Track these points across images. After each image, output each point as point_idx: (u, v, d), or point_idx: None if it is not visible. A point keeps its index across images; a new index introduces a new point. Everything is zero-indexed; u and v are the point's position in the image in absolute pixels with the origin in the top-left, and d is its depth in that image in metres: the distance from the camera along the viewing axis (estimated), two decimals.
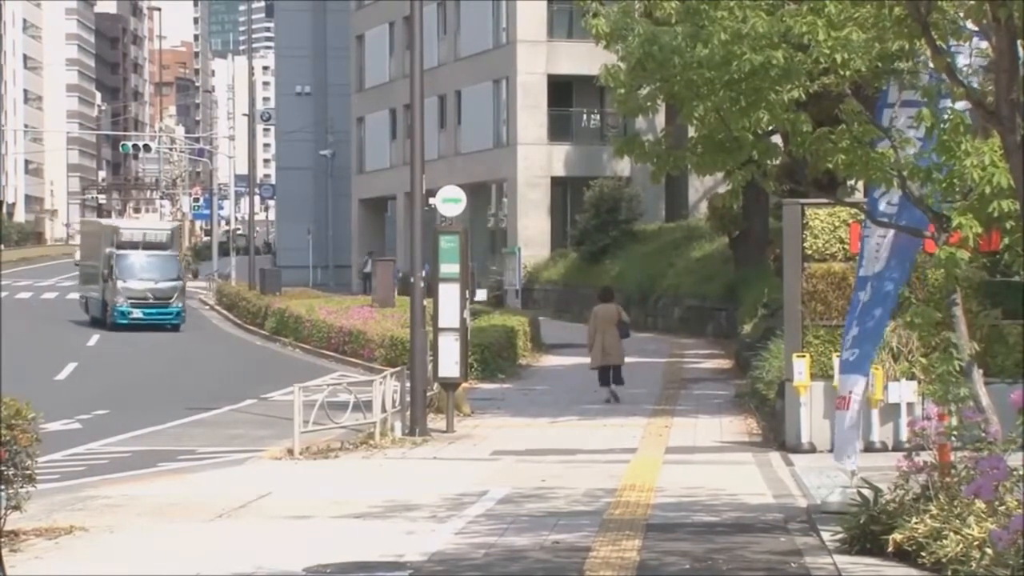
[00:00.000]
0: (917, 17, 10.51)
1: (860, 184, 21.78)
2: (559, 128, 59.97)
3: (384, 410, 23.52)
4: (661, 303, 47.75)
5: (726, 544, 13.73)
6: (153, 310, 50.03)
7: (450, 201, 27.54)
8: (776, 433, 21.83)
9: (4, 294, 61.93)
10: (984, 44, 10.49)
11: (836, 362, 19.80)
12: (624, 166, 51.35)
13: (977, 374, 12.75)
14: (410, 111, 26.33)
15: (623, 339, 28.64)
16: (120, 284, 50.12)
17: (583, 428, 24.65)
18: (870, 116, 13.60)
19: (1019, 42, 9.51)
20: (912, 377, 20.15)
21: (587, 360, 29.22)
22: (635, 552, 13.34)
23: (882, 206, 14.22)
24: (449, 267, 24.54)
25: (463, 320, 24.73)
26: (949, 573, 11.13)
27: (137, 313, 49.65)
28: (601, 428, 24.48)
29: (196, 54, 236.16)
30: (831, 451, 19.57)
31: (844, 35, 12.55)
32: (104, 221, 64.80)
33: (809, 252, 20.59)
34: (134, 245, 51.79)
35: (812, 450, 20.24)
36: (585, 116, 61.66)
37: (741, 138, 13.56)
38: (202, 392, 31.53)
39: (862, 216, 16.01)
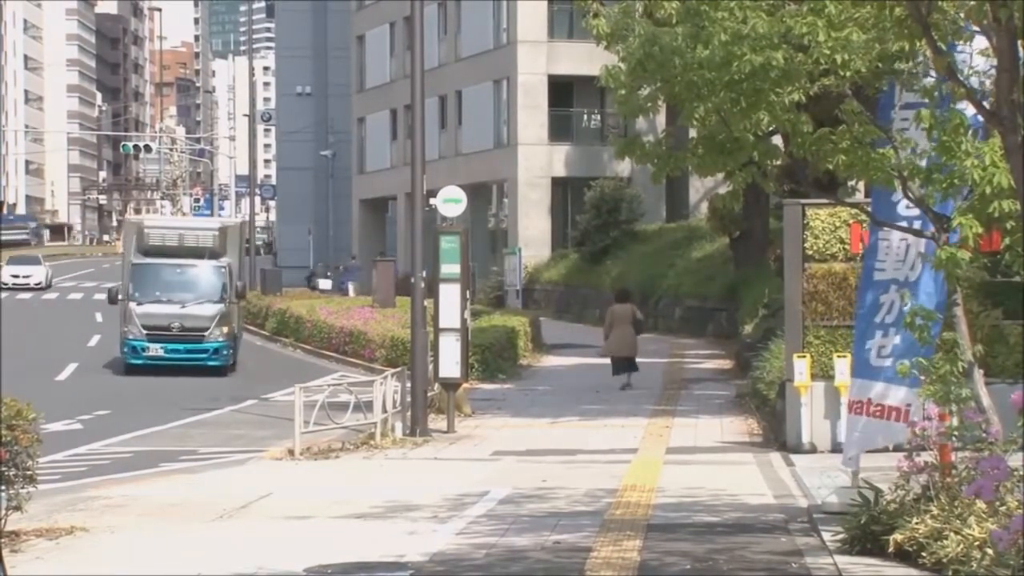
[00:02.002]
0: (918, 18, 10.52)
1: (861, 184, 21.78)
2: (560, 128, 60.00)
3: (385, 410, 23.53)
4: (662, 303, 47.77)
5: (727, 544, 13.73)
6: (179, 346, 35.57)
7: (451, 201, 27.57)
8: (777, 433, 21.84)
9: (4, 294, 61.93)
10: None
11: (839, 363, 19.83)
12: (625, 167, 51.39)
13: (978, 374, 12.75)
14: (411, 111, 26.35)
15: (638, 334, 31.01)
16: (135, 308, 35.75)
17: (584, 428, 24.66)
18: (870, 117, 13.60)
19: (1020, 42, 9.52)
20: None
21: (588, 360, 29.74)
22: (636, 552, 13.35)
23: (901, 209, 14.12)
24: (450, 268, 24.55)
25: (464, 320, 24.74)
26: (950, 573, 11.13)
27: (156, 349, 35.51)
28: (602, 428, 24.49)
29: (197, 54, 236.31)
30: (832, 451, 19.64)
31: (844, 36, 12.56)
32: (132, 217, 47.92)
33: (810, 252, 20.59)
34: (163, 251, 36.84)
35: (813, 450, 20.25)
36: (586, 116, 61.70)
37: (742, 139, 13.57)
38: (203, 392, 31.54)
39: (863, 216, 15.99)
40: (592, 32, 14.36)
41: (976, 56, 11.83)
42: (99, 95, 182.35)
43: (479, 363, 32.01)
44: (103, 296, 59.89)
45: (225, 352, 35.97)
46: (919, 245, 13.97)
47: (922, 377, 12.65)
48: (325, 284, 61.35)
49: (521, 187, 58.85)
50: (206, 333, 35.64)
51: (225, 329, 35.92)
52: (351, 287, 62.97)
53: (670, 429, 24.24)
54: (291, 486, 18.51)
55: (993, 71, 9.96)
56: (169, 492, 18.06)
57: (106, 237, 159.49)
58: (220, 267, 36.70)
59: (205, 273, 36.65)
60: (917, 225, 13.72)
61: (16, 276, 72.20)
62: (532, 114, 58.83)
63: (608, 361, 31.24)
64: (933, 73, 12.13)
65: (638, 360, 31.14)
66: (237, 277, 37.71)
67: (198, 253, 36.79)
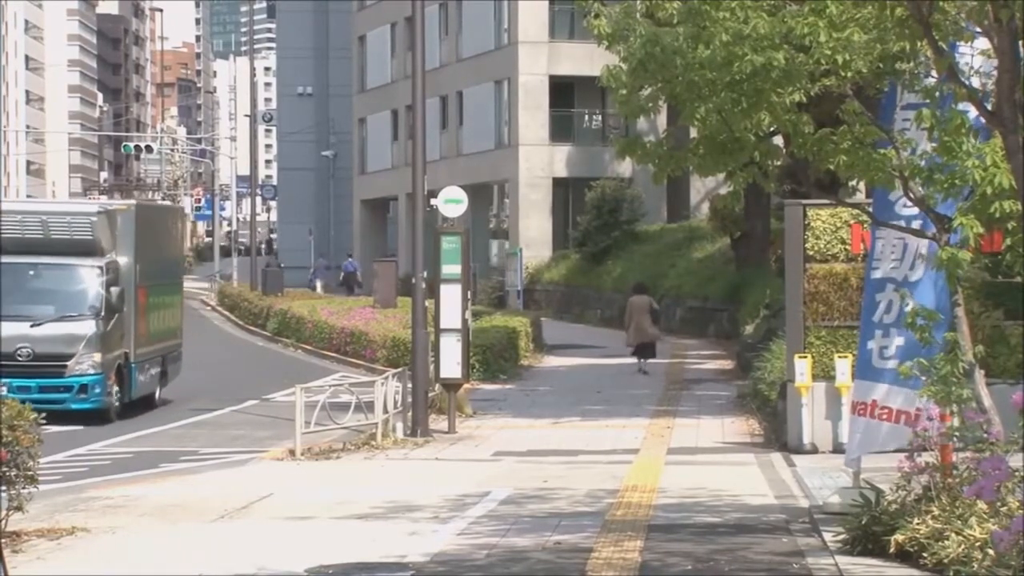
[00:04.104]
0: (919, 18, 10.52)
1: (862, 185, 21.79)
2: (561, 129, 59.98)
3: (386, 411, 23.53)
4: (663, 304, 47.61)
5: (728, 545, 13.73)
6: (30, 381, 25.22)
7: (452, 202, 27.57)
8: (778, 434, 21.83)
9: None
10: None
11: (840, 364, 19.82)
12: (626, 167, 51.38)
13: (979, 375, 12.75)
14: (412, 112, 26.34)
15: (655, 323, 33.76)
16: None
17: (585, 429, 24.65)
18: (872, 117, 13.60)
19: (1021, 43, 9.52)
20: None
21: (589, 360, 30.09)
22: (637, 553, 13.35)
23: (898, 208, 14.11)
24: (450, 268, 24.54)
25: (465, 321, 24.73)
26: (951, 574, 11.13)
27: None
28: (603, 429, 24.49)
29: (198, 55, 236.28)
30: (833, 452, 19.65)
31: (845, 36, 12.55)
32: None
33: (811, 253, 20.59)
34: (22, 245, 26.40)
35: (814, 451, 20.25)
36: (587, 117, 61.68)
37: (743, 139, 13.57)
38: (204, 393, 31.52)
39: (864, 217, 15.97)
40: (593, 32, 14.34)
41: (977, 57, 11.83)
42: (100, 95, 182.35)
43: (480, 363, 32.00)
44: None
45: (99, 390, 26.02)
46: (917, 245, 13.97)
47: (923, 378, 12.64)
48: None
49: (522, 187, 58.84)
50: (68, 363, 25.85)
51: (98, 357, 26.03)
52: (318, 284, 67.82)
53: (671, 430, 24.24)
54: (292, 486, 18.51)
55: (994, 72, 9.97)
56: (170, 492, 18.06)
57: None
58: (97, 267, 26.43)
59: (74, 276, 26.46)
60: (917, 225, 13.72)
61: None
62: (533, 114, 58.82)
63: (608, 361, 31.60)
64: (934, 74, 12.13)
65: (631, 361, 32.10)
66: (137, 281, 27.58)
67: (73, 248, 26.44)
